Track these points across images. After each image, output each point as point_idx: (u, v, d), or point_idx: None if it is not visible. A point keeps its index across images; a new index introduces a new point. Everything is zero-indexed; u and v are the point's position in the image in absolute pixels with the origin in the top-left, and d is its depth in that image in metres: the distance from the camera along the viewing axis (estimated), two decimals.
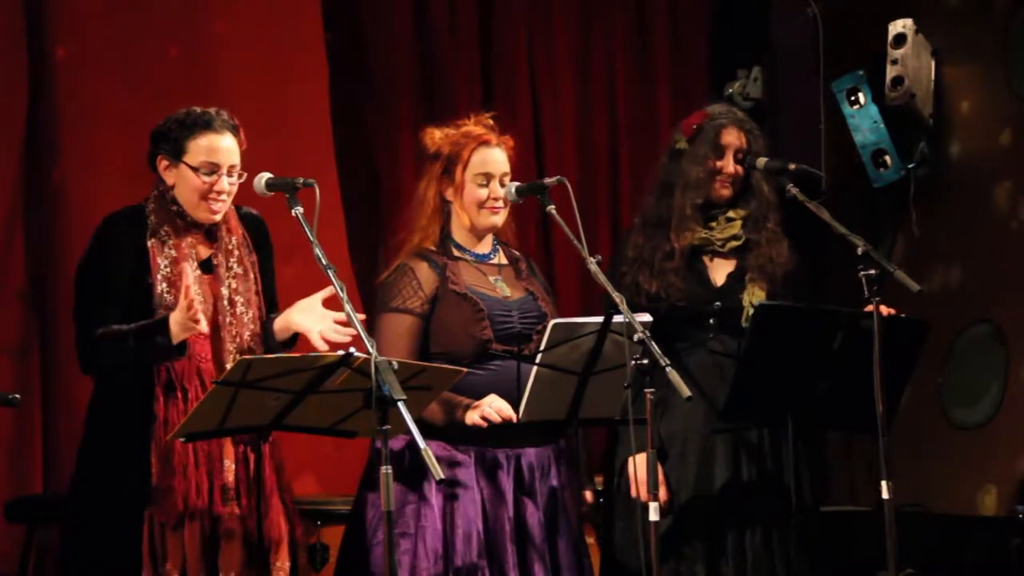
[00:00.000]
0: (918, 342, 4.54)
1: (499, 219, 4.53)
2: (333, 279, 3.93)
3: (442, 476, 3.68)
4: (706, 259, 4.74)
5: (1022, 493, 5.78)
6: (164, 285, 4.18)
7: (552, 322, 4.22)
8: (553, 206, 4.37)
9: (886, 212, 6.45)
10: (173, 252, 4.23)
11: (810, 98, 6.61)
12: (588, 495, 4.78)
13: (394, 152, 6.42)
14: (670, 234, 4.70)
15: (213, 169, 4.24)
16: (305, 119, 6.26)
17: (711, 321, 4.66)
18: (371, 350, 3.78)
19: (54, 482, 5.67)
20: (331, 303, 4.19)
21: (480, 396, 4.31)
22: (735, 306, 4.67)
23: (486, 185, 4.49)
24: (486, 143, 4.51)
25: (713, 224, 4.75)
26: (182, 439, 3.98)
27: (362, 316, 3.96)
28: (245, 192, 4.29)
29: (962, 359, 6.11)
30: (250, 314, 4.30)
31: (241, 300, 4.29)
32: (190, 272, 4.14)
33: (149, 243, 4.21)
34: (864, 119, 6.36)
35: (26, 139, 5.76)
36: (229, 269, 4.30)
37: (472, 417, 4.28)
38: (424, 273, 4.46)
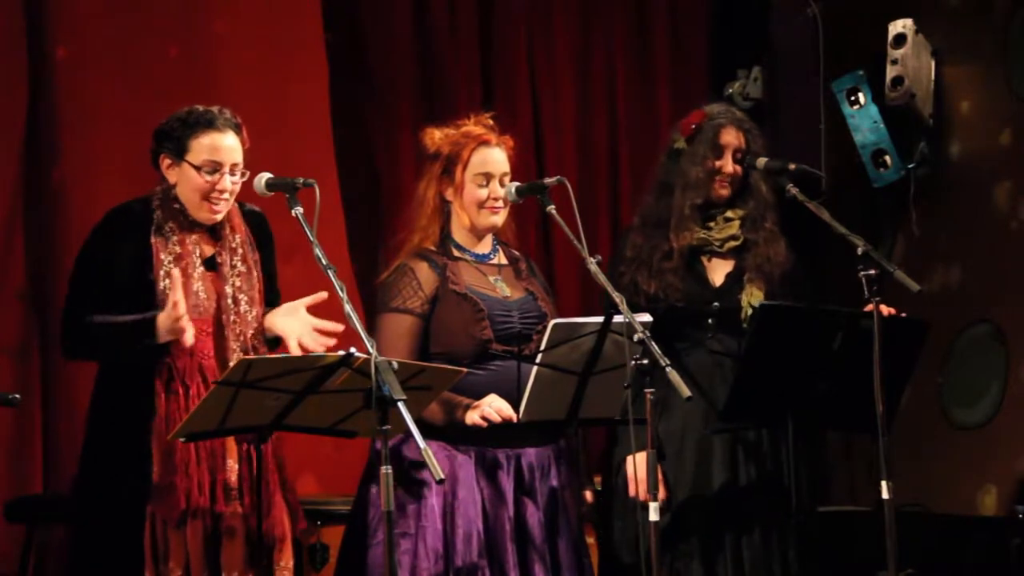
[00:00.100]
0: (918, 342, 4.54)
1: (499, 219, 4.53)
2: (333, 279, 3.94)
3: (442, 476, 3.67)
4: (704, 259, 4.74)
5: (1022, 493, 5.77)
6: (167, 282, 4.18)
7: (552, 322, 4.22)
8: (553, 206, 4.37)
9: (886, 212, 6.45)
10: (177, 248, 4.23)
11: (810, 98, 6.61)
12: (588, 495, 4.78)
13: (394, 152, 6.42)
14: (669, 234, 4.70)
15: (216, 168, 4.24)
16: (305, 119, 6.26)
17: (710, 321, 4.67)
18: (371, 350, 3.78)
19: (54, 482, 5.67)
20: (315, 309, 4.22)
21: (480, 396, 4.31)
22: (734, 306, 4.67)
23: (486, 185, 4.49)
24: (486, 143, 4.51)
25: (711, 224, 4.75)
26: (182, 439, 3.98)
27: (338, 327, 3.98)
28: (245, 192, 4.29)
29: (962, 359, 6.11)
30: (254, 312, 4.30)
31: (245, 298, 4.29)
32: (177, 275, 4.12)
33: (153, 239, 4.22)
34: (864, 119, 6.36)
35: (26, 139, 5.76)
36: (233, 267, 4.30)
37: (472, 417, 4.28)
38: (424, 273, 4.46)
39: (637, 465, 4.41)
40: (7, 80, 5.71)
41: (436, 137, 4.54)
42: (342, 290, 3.90)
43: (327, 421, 4.01)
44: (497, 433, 4.30)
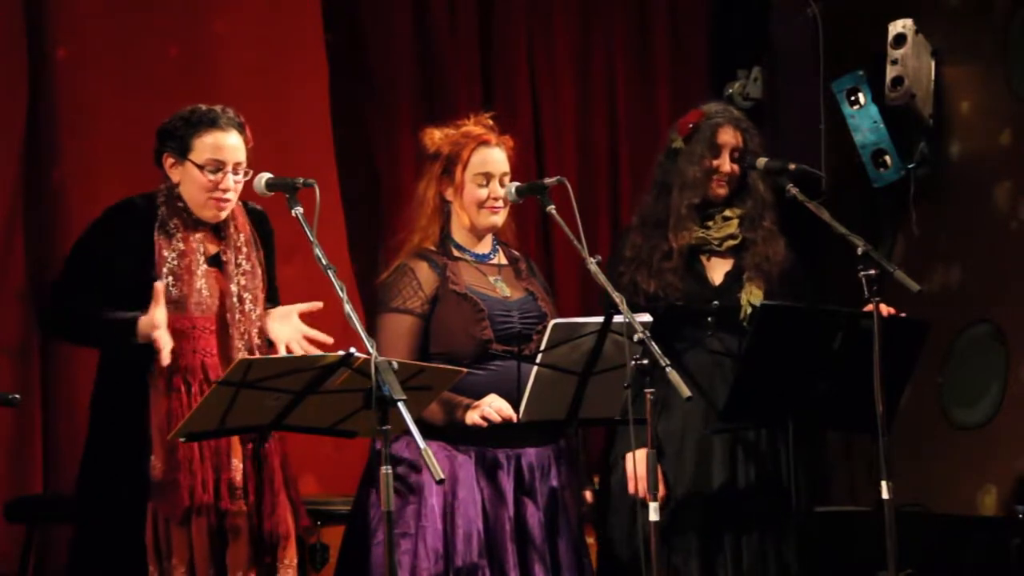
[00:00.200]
0: (918, 342, 4.54)
1: (499, 219, 4.53)
2: (333, 279, 3.93)
3: (442, 476, 3.67)
4: (704, 258, 4.74)
5: (1022, 493, 5.78)
6: (170, 279, 4.18)
7: (552, 322, 4.22)
8: (553, 206, 4.37)
9: (886, 212, 6.45)
10: (181, 246, 4.23)
11: (810, 98, 6.61)
12: (588, 495, 4.78)
13: (394, 152, 6.42)
14: (668, 234, 4.70)
15: (219, 167, 4.23)
16: (305, 119, 6.25)
17: (709, 320, 4.67)
18: (371, 350, 3.78)
19: (54, 482, 5.67)
20: (307, 317, 4.23)
21: (480, 396, 4.31)
22: (733, 305, 4.67)
23: (486, 185, 4.49)
24: (486, 143, 4.51)
25: (710, 223, 4.75)
26: (182, 439, 3.98)
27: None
28: (245, 192, 4.29)
29: (962, 359, 6.11)
30: (258, 311, 4.29)
31: (250, 297, 4.29)
32: (160, 287, 4.11)
33: (156, 236, 4.22)
34: (864, 119, 6.36)
35: (26, 139, 5.75)
36: (238, 266, 4.29)
37: (472, 417, 4.28)
38: (424, 273, 4.46)
39: (637, 462, 4.41)
40: (7, 80, 5.71)
41: (436, 137, 4.54)
42: (342, 290, 3.90)
43: (327, 421, 4.01)
44: (497, 433, 4.30)
